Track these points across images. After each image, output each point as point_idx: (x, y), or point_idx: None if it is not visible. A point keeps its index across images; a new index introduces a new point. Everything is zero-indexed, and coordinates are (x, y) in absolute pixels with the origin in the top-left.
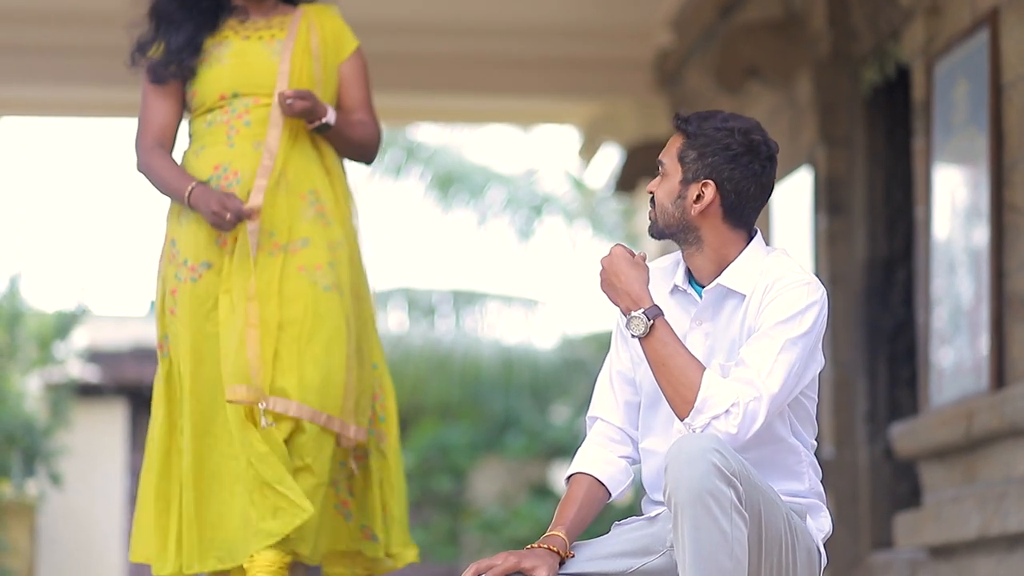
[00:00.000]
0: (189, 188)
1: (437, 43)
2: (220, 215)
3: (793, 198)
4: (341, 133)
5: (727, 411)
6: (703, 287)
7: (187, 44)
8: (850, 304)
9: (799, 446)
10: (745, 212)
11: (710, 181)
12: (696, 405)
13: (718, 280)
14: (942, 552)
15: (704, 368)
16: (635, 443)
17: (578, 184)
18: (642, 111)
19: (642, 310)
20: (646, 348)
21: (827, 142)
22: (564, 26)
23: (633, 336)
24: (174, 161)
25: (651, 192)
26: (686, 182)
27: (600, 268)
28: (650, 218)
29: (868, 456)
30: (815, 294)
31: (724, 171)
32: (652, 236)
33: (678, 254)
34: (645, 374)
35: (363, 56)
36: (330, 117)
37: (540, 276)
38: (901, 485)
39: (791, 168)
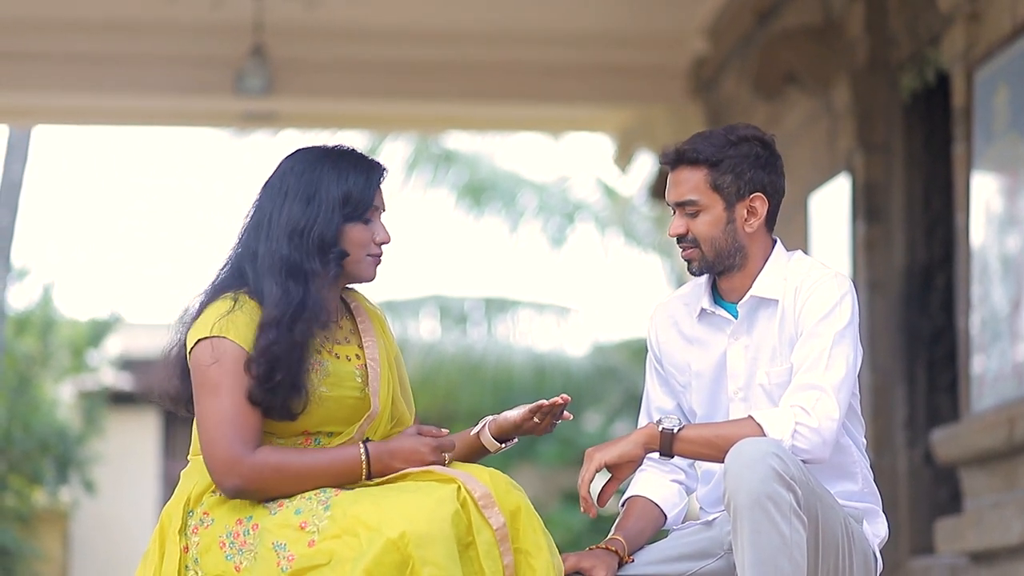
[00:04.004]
0: (362, 449)
1: (470, 51)
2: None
3: (831, 205)
4: None
5: (796, 424)
6: (731, 303)
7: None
8: (889, 310)
9: (851, 445)
10: (778, 211)
11: (758, 193)
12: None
13: (751, 292)
14: (983, 558)
15: (748, 416)
16: (686, 469)
17: (610, 192)
18: (677, 119)
19: (658, 426)
20: (688, 440)
21: (865, 148)
22: (599, 33)
23: (667, 430)
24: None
25: (682, 234)
26: (731, 206)
27: (594, 462)
28: (690, 258)
29: (907, 462)
30: (844, 284)
31: (764, 178)
32: (696, 273)
33: (696, 280)
34: (694, 396)
35: None
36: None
37: (572, 283)
38: (941, 491)
39: (829, 175)
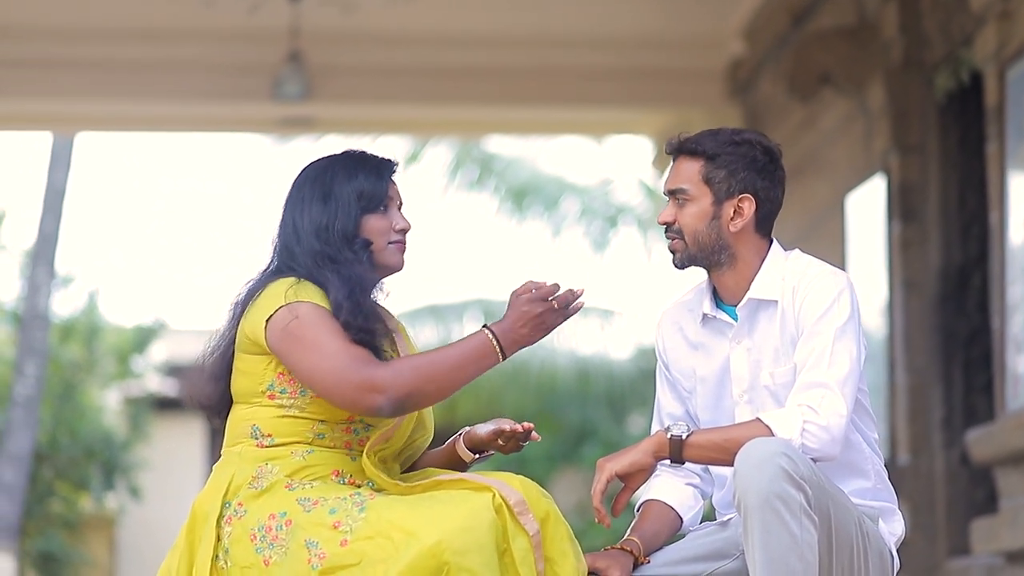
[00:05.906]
0: (487, 331)
1: (507, 55)
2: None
3: (867, 205)
4: None
5: (804, 422)
6: (732, 305)
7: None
8: (925, 310)
9: (861, 442)
10: (773, 218)
11: (748, 195)
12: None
13: (749, 294)
14: (1019, 558)
15: (756, 417)
16: (700, 473)
17: (652, 194)
18: (714, 120)
19: (667, 433)
20: (697, 444)
21: (900, 149)
22: (636, 37)
23: (676, 436)
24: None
25: (669, 222)
26: (719, 201)
27: (605, 472)
28: (674, 249)
29: (944, 462)
30: (842, 280)
31: (757, 182)
32: (678, 266)
33: (699, 285)
34: (699, 401)
35: None
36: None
37: (615, 286)
38: (977, 491)
39: (864, 175)
